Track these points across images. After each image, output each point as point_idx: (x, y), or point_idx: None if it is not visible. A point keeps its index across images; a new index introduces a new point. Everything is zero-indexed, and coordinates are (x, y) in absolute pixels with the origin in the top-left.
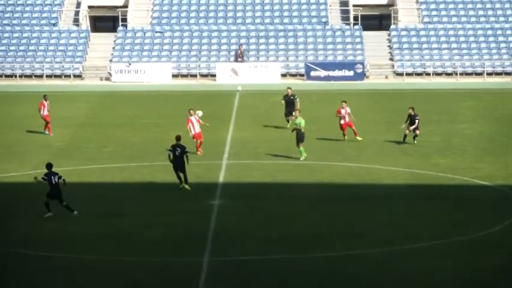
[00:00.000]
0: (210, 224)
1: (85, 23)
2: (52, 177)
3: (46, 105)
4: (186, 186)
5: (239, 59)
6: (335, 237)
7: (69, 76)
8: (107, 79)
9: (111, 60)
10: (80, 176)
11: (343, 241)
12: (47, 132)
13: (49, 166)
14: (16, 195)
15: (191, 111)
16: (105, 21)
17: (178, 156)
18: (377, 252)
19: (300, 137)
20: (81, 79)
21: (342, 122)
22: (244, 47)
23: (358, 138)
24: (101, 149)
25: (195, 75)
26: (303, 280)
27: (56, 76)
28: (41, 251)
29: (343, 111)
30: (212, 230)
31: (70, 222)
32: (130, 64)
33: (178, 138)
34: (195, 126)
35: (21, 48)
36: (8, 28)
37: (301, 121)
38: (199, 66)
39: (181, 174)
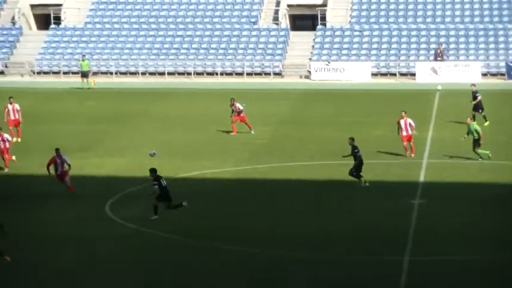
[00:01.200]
0: (410, 223)
1: (284, 22)
2: (161, 180)
3: None
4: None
5: (438, 58)
6: None
7: (269, 74)
8: (307, 77)
9: (310, 59)
10: (280, 173)
11: None
12: None
13: (153, 171)
14: (218, 190)
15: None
16: (305, 20)
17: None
18: None
19: (476, 143)
20: (280, 77)
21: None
22: (443, 46)
23: None
24: (301, 146)
25: (394, 74)
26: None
27: (256, 74)
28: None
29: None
30: (412, 229)
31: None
32: (329, 62)
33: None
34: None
35: (222, 46)
36: (209, 26)
37: (475, 128)
38: (398, 65)
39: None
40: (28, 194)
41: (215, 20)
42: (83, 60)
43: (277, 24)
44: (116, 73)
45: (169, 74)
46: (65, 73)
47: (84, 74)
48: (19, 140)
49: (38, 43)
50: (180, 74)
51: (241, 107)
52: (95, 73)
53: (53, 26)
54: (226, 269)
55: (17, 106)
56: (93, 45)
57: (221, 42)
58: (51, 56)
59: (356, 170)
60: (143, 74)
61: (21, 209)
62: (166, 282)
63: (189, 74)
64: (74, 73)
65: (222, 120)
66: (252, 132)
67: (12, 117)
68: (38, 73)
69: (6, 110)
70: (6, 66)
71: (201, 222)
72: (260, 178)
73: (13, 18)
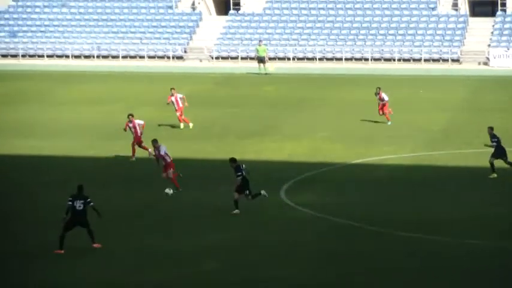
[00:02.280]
0: None
1: (464, 8)
2: (242, 169)
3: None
4: None
5: None
6: None
7: (447, 60)
8: (485, 64)
9: (489, 45)
10: (455, 160)
11: None
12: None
13: (234, 160)
14: (395, 175)
15: None
16: (484, 6)
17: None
18: None
19: None
20: (458, 63)
21: None
22: None
23: None
24: (479, 133)
25: None
26: None
27: (434, 60)
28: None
29: None
30: None
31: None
32: (508, 49)
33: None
34: None
35: (400, 32)
36: (387, 12)
37: None
38: None
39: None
40: (202, 177)
41: (393, 6)
42: (260, 46)
43: (456, 10)
44: (293, 59)
45: (347, 59)
46: (242, 58)
47: (261, 60)
48: (190, 125)
49: (216, 28)
50: (356, 59)
51: (386, 98)
52: (271, 58)
53: (232, 11)
54: (410, 257)
55: (179, 95)
56: (271, 30)
57: (399, 28)
58: (229, 41)
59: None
60: (320, 59)
61: (202, 190)
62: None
63: (366, 59)
64: (251, 58)
65: (401, 106)
66: (389, 124)
67: (180, 106)
68: (216, 58)
69: (170, 101)
70: (185, 52)
71: (376, 208)
72: (437, 165)
73: (193, 3)
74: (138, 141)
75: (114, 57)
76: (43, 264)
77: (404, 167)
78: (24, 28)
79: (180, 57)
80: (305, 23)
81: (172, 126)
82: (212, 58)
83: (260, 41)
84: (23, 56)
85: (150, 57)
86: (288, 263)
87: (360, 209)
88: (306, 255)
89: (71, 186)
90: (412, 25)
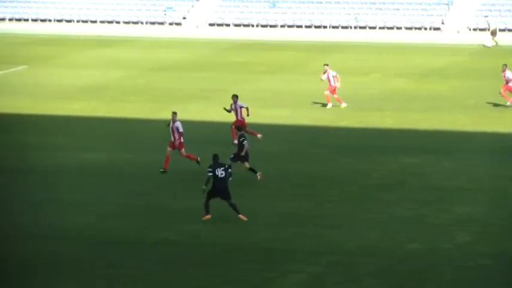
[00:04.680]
0: None
1: None
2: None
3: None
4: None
5: None
6: None
7: None
8: None
9: None
10: None
11: None
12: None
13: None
14: None
15: None
16: None
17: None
18: None
19: None
20: None
21: None
22: None
23: None
24: None
25: None
26: None
27: None
28: None
29: None
30: None
31: None
32: None
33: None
34: None
35: None
36: None
37: None
38: None
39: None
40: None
41: None
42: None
43: None
44: None
45: None
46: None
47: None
48: (343, 104)
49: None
50: None
51: (511, 76)
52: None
53: None
54: None
55: (332, 73)
56: None
57: None
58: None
59: None
60: None
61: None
62: None
63: None
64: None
65: None
66: (508, 104)
67: (333, 85)
68: (474, 30)
69: (326, 76)
70: (442, 23)
71: None
72: None
73: None
74: (241, 124)
75: (361, 28)
76: None
77: None
78: None
79: (437, 29)
80: None
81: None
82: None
83: None
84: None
85: (406, 28)
86: None
87: None
88: None
89: None
90: None
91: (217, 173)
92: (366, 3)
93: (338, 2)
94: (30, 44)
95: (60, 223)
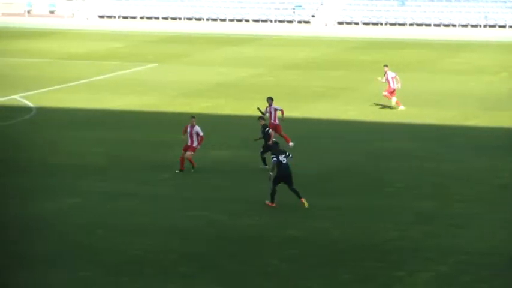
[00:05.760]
0: None
1: None
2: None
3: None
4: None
5: None
6: None
7: None
8: None
9: None
10: None
11: None
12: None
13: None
14: None
15: None
16: None
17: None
18: None
19: None
20: None
21: None
22: None
23: None
24: None
25: None
26: None
27: None
28: None
29: None
30: None
31: None
32: None
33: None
34: None
35: None
36: None
37: None
38: None
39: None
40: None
41: None
42: None
43: None
44: None
45: None
46: None
47: None
48: (401, 107)
49: None
50: None
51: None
52: None
53: None
54: None
55: (391, 74)
56: None
57: None
58: None
59: None
60: None
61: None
62: None
63: None
64: None
65: None
66: None
67: (392, 86)
68: None
69: (386, 77)
70: None
71: None
72: None
73: None
74: (277, 128)
75: (491, 26)
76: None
77: None
78: None
79: None
80: None
81: None
82: None
83: None
84: (411, 24)
85: None
86: None
87: None
88: None
89: None
90: None
91: (281, 159)
92: (496, 1)
93: (468, 1)
94: (161, 42)
95: (190, 221)
